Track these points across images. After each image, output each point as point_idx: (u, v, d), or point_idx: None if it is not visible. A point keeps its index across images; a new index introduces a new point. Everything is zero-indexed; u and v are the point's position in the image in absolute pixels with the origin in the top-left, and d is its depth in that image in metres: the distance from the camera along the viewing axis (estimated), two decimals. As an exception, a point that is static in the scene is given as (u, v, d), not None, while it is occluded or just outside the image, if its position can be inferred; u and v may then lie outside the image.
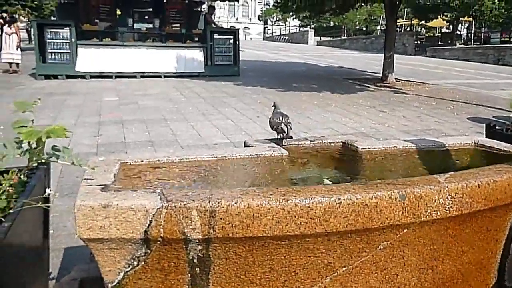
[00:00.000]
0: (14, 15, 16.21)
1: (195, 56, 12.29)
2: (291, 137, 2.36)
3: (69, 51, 11.15)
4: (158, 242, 1.48)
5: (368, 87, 11.14)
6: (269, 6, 53.97)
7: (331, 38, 47.15)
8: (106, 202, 1.43)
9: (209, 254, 1.53)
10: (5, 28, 12.98)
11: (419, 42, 33.26)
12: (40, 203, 1.59)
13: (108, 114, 6.93)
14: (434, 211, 1.67)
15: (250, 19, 74.04)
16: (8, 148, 1.46)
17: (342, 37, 48.11)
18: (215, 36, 12.44)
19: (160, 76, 11.90)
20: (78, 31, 11.31)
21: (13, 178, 1.57)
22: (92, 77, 11.38)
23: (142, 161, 1.98)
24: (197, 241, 1.48)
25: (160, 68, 11.92)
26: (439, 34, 38.87)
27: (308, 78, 13.18)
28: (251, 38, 57.41)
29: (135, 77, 11.72)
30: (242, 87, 10.41)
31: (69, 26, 11.05)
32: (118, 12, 12.95)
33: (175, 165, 2.00)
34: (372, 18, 51.88)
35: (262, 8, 64.83)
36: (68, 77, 11.22)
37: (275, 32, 59.24)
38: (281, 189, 1.56)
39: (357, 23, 54.54)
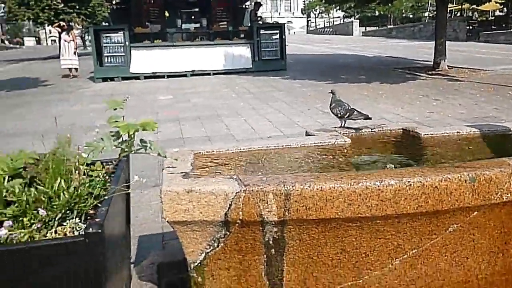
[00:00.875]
0: (70, 23, 17.12)
1: (242, 52, 12.48)
2: (371, 118, 2.40)
3: (123, 54, 11.67)
4: (237, 224, 1.59)
5: (420, 75, 10.83)
6: (312, -1, 53.46)
7: (377, 28, 45.96)
8: (189, 187, 1.56)
9: (284, 235, 1.62)
10: (63, 35, 13.74)
11: (471, 27, 31.63)
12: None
13: (164, 112, 7.22)
14: (505, 193, 1.67)
15: (293, 13, 73.53)
16: (106, 141, 1.63)
17: (389, 26, 46.77)
18: (262, 31, 12.57)
19: (209, 74, 12.19)
20: (131, 34, 11.79)
21: (106, 169, 1.74)
22: (145, 77, 11.85)
23: (213, 151, 2.11)
24: (273, 223, 1.58)
25: (209, 65, 12.21)
26: (493, 18, 36.81)
27: (356, 69, 12.99)
28: (294, 32, 57.07)
29: (185, 75, 12.08)
30: (290, 81, 10.46)
31: (122, 30, 11.57)
32: (167, 14, 13.37)
33: (244, 154, 2.11)
34: (420, 4, 50.02)
35: (304, 1, 64.19)
36: (123, 79, 11.75)
37: (319, 24, 58.52)
38: (352, 173, 1.63)
39: (403, 11, 52.78)
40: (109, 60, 11.69)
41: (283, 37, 12.78)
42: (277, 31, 12.81)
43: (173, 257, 2.34)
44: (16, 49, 44.42)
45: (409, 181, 1.55)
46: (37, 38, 57.81)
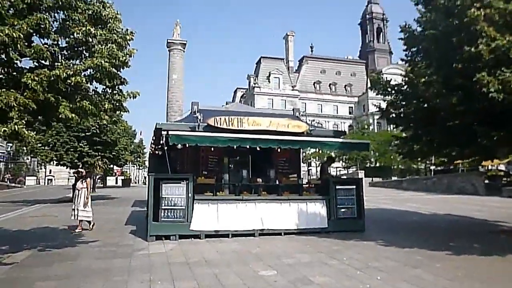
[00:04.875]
0: (89, 171, 15.82)
1: (317, 209, 10.74)
2: None
3: (183, 207, 9.87)
4: None
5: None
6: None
7: (382, 179, 46.04)
8: None
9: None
10: (78, 183, 12.11)
11: (487, 181, 31.28)
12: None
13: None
14: None
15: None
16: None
17: (393, 178, 47.17)
18: (338, 186, 11.08)
19: (280, 234, 10.32)
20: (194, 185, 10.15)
21: None
22: (206, 236, 9.87)
23: None
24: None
25: (280, 224, 10.37)
26: (502, 172, 37.00)
27: (442, 231, 11.39)
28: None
29: (253, 235, 10.14)
30: (397, 249, 8.57)
31: (186, 181, 9.96)
32: (226, 161, 11.98)
33: None
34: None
35: (304, 152, 65.87)
36: (180, 237, 9.74)
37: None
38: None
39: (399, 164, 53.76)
40: (166, 214, 9.82)
41: (361, 193, 11.28)
42: (354, 187, 11.34)
43: None
44: (17, 188, 42.27)
45: None
46: (36, 178, 56.53)
